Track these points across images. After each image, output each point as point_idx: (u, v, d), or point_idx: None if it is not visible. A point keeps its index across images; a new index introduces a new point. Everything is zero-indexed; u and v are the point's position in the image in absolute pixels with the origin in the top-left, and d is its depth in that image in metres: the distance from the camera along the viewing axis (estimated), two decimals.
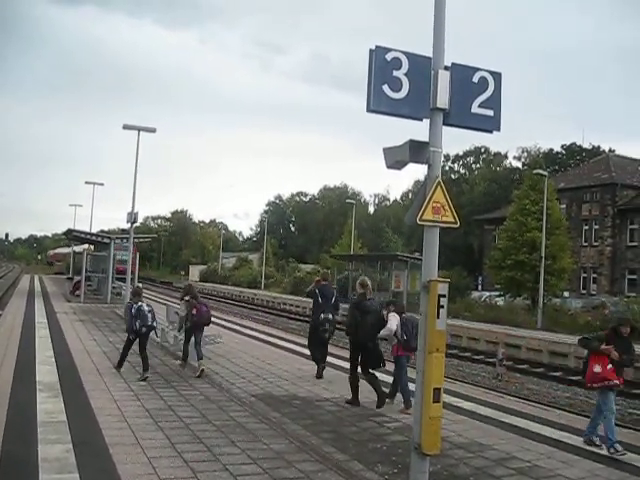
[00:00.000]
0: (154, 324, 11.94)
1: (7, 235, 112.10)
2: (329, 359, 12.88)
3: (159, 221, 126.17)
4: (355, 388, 10.10)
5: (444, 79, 5.73)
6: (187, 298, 12.67)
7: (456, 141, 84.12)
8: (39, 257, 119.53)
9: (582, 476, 6.74)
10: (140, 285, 19.41)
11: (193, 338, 12.50)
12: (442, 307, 5.67)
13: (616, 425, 11.46)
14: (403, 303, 10.81)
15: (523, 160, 74.76)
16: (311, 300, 12.92)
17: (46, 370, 11.44)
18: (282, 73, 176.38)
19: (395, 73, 5.53)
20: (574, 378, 19.41)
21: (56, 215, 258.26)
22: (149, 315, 11.69)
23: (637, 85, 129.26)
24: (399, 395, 10.00)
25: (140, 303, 11.78)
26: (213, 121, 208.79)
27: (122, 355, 12.11)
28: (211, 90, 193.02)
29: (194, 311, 12.33)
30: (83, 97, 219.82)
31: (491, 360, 21.16)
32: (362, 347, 10.02)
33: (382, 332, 9.92)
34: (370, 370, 10.08)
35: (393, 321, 9.90)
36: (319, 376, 12.19)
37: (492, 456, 7.43)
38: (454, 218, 5.87)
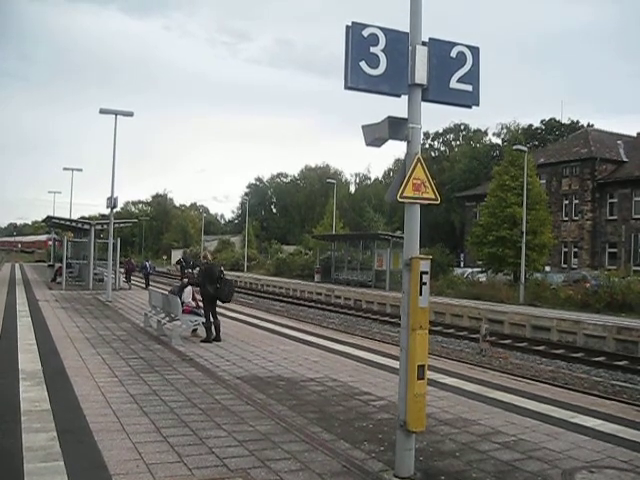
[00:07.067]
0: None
1: None
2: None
3: (140, 206, 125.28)
4: (209, 329, 13.86)
5: (422, 54, 5.67)
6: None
7: (435, 119, 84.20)
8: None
9: (567, 448, 6.79)
10: None
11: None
12: (424, 284, 5.64)
13: (598, 397, 11.64)
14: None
15: (503, 136, 75.02)
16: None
17: (28, 358, 11.32)
18: (249, 59, 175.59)
19: (372, 49, 5.46)
20: (557, 352, 19.65)
21: (35, 203, 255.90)
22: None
23: (616, 60, 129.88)
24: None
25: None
26: (191, 107, 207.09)
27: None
28: (186, 77, 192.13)
29: None
30: (61, 86, 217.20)
31: (474, 336, 21.32)
32: (211, 298, 13.95)
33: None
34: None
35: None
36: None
37: (477, 431, 7.47)
38: (435, 195, 5.83)
